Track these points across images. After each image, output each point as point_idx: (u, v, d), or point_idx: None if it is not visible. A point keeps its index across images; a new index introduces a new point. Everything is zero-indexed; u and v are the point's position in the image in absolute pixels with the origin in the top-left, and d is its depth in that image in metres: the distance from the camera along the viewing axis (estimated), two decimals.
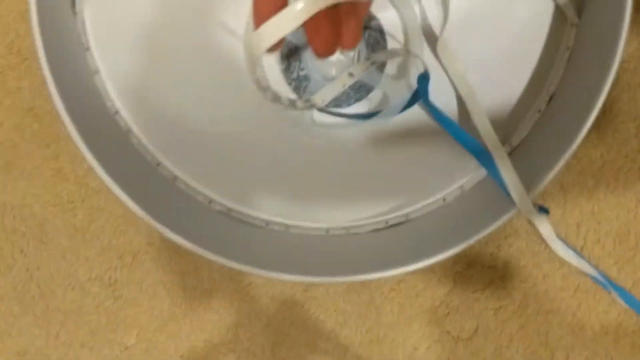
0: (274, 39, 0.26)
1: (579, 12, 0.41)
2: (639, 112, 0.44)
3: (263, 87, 0.30)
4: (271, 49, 0.28)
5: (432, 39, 0.44)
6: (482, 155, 0.41)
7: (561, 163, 0.39)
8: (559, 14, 0.41)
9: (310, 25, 0.27)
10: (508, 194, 0.39)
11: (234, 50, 0.43)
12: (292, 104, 0.33)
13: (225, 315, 0.52)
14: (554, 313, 0.51)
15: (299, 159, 0.46)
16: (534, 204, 0.40)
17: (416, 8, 0.42)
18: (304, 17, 0.26)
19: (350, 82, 0.35)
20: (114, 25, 0.43)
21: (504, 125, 0.44)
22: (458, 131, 0.40)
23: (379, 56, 0.36)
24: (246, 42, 0.27)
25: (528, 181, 0.40)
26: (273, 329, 0.52)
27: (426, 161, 0.46)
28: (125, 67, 0.43)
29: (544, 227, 0.45)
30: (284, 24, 0.26)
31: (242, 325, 0.52)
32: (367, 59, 0.36)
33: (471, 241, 0.40)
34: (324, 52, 0.29)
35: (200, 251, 0.40)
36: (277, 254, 0.45)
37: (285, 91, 0.44)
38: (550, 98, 0.43)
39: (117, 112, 0.44)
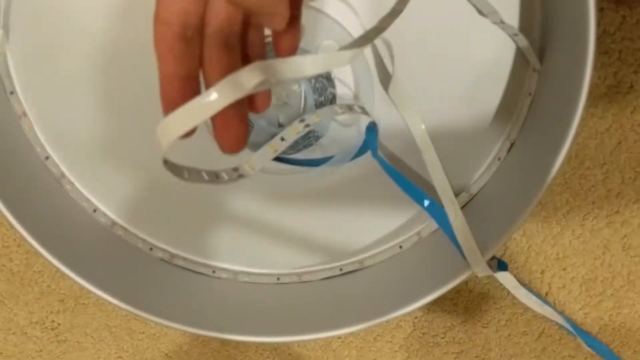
0: (182, 130, 0.23)
1: (541, 57, 0.38)
2: (606, 159, 0.42)
3: (177, 172, 0.27)
4: (181, 137, 0.25)
5: (387, 79, 0.41)
6: (436, 212, 0.38)
7: (521, 220, 0.36)
8: (520, 58, 0.39)
9: (220, 119, 0.24)
10: (463, 255, 0.37)
11: None
12: (215, 177, 0.30)
13: (175, 359, 0.50)
14: (518, 357, 0.49)
15: (246, 203, 0.44)
16: (491, 262, 0.37)
17: (367, 50, 0.39)
18: (218, 108, 0.23)
19: (283, 147, 0.32)
20: (41, 67, 0.39)
21: (462, 172, 0.41)
22: (409, 186, 0.38)
23: (313, 118, 0.33)
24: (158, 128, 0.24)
25: (485, 238, 0.38)
26: None
27: (381, 206, 0.43)
28: (55, 110, 0.40)
29: (505, 278, 0.42)
30: (195, 114, 0.23)
31: None
32: (302, 120, 0.32)
33: (425, 301, 0.38)
34: (232, 149, 0.26)
35: (138, 312, 0.38)
36: (224, 308, 0.42)
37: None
38: (511, 145, 0.40)
39: (47, 157, 0.41)
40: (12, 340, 0.49)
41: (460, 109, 0.40)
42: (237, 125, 0.26)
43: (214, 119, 0.24)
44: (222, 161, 0.29)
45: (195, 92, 0.25)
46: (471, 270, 0.37)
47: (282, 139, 0.31)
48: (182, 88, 0.24)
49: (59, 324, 0.48)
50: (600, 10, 0.32)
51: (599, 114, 0.41)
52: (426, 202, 0.38)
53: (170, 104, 0.25)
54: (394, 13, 0.31)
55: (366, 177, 0.43)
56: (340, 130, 0.41)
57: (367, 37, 0.30)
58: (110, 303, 0.38)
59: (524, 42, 0.37)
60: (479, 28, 0.38)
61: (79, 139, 0.41)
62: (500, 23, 0.37)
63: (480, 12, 0.37)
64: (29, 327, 0.49)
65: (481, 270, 0.37)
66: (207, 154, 0.31)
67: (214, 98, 0.23)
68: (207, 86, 0.27)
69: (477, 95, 0.40)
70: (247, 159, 0.31)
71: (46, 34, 0.39)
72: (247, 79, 0.24)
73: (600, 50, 0.39)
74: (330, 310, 0.42)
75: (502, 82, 0.39)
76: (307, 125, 0.32)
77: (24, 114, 0.40)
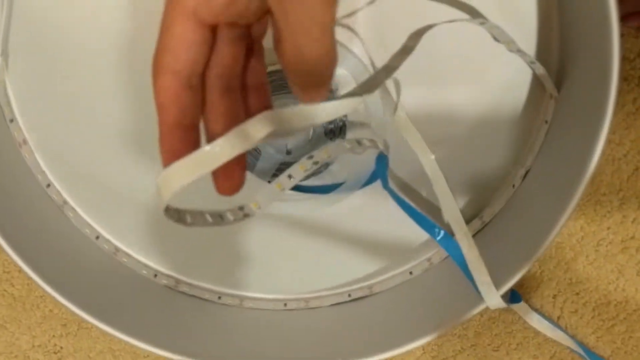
0: (185, 181, 0.22)
1: (559, 84, 0.37)
2: (623, 185, 0.41)
3: (179, 218, 0.26)
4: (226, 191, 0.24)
5: (391, 106, 0.40)
6: (449, 244, 0.37)
7: (538, 253, 0.35)
8: (537, 85, 0.37)
9: (223, 169, 0.23)
10: (476, 289, 0.36)
11: None
12: (220, 218, 0.29)
13: None
14: None
15: (253, 228, 0.43)
16: (505, 297, 0.36)
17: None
18: (224, 159, 0.22)
19: (290, 185, 0.31)
20: (41, 93, 0.38)
21: (475, 198, 0.40)
22: (420, 217, 0.37)
23: (322, 154, 0.31)
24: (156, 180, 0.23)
25: (500, 270, 0.36)
26: None
27: (392, 230, 0.42)
28: (56, 136, 0.39)
29: (518, 305, 0.41)
30: (199, 165, 0.22)
31: None
32: (310, 157, 0.31)
33: (435, 335, 0.37)
34: (229, 193, 0.26)
35: (141, 345, 0.37)
36: (229, 338, 0.41)
37: None
38: (526, 173, 0.39)
39: (49, 185, 0.40)
40: None
41: (474, 134, 0.39)
42: (236, 172, 0.25)
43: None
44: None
45: (197, 140, 0.24)
46: (484, 303, 0.36)
47: (290, 177, 0.30)
48: (184, 138, 0.23)
49: (61, 347, 0.48)
50: (621, 36, 0.31)
51: (617, 141, 0.40)
52: (439, 235, 0.37)
53: (172, 154, 0.23)
54: (406, 50, 0.30)
55: (376, 202, 0.42)
56: (351, 157, 0.39)
57: (378, 78, 0.29)
58: (112, 335, 0.37)
59: (540, 69, 0.36)
60: (495, 54, 0.37)
61: (80, 165, 0.40)
62: (518, 51, 0.36)
63: (497, 40, 0.36)
64: (31, 351, 0.48)
65: (495, 303, 0.36)
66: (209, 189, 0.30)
67: (221, 150, 0.22)
68: (208, 130, 0.26)
69: (492, 120, 0.39)
70: (253, 198, 0.30)
71: (45, 60, 0.38)
72: (256, 130, 0.23)
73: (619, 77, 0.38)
74: (339, 341, 0.41)
75: (517, 109, 0.38)
76: (316, 163, 0.31)
77: (24, 141, 0.39)
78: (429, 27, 0.32)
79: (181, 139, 0.23)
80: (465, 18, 0.37)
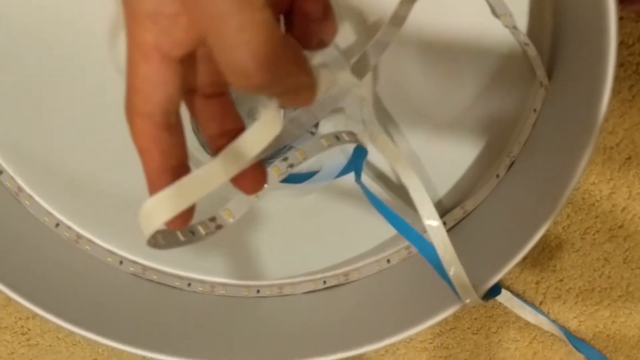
0: (166, 217, 0.20)
1: (550, 72, 0.34)
2: (614, 174, 0.38)
3: (154, 243, 0.24)
4: (174, 225, 0.22)
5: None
6: (423, 246, 0.34)
7: (522, 253, 0.33)
8: (526, 72, 0.34)
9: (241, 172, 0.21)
10: (454, 290, 0.34)
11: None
12: (191, 234, 0.26)
13: None
14: None
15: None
16: (485, 295, 0.35)
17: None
18: (214, 185, 0.20)
19: (264, 192, 0.28)
20: None
21: (457, 187, 0.38)
22: (393, 217, 0.34)
23: (297, 156, 0.29)
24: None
25: (480, 267, 0.35)
26: None
27: (370, 217, 0.40)
28: (7, 121, 0.36)
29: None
30: (183, 197, 0.20)
31: None
32: (284, 159, 0.29)
33: (412, 332, 0.35)
34: (254, 192, 0.24)
35: (108, 342, 0.35)
36: (200, 327, 0.39)
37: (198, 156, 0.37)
38: (512, 163, 0.37)
39: (1, 172, 0.37)
40: None
41: (458, 120, 0.36)
42: (256, 169, 0.23)
43: None
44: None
45: (182, 164, 0.22)
46: (461, 303, 0.34)
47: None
48: (174, 181, 0.20)
49: (29, 329, 0.46)
50: (619, 20, 0.28)
51: (610, 129, 0.37)
52: (414, 236, 0.34)
53: (156, 183, 0.21)
54: (397, 21, 0.27)
55: (352, 188, 0.39)
56: None
57: (369, 58, 0.26)
58: (77, 334, 0.35)
59: (533, 52, 0.33)
60: (484, 39, 0.33)
61: (35, 150, 0.37)
62: (513, 28, 0.33)
63: (495, 14, 0.33)
64: None
65: (473, 302, 0.35)
66: None
67: (215, 171, 0.20)
68: (204, 136, 0.24)
69: (476, 106, 0.36)
70: (224, 206, 0.28)
71: None
72: (250, 146, 0.20)
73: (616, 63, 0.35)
74: (313, 332, 0.39)
75: (504, 96, 0.35)
76: (291, 166, 0.28)
77: None
78: None
79: (171, 182, 0.20)
80: None
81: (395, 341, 0.35)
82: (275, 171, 0.29)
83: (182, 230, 0.26)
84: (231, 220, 0.28)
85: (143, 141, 0.21)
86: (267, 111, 0.21)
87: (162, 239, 0.25)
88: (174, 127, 0.21)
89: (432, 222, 0.34)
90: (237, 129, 0.25)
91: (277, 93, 0.20)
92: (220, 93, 0.24)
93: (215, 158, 0.20)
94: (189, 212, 0.22)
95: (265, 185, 0.28)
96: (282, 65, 0.18)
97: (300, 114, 0.27)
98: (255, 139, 0.21)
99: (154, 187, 0.21)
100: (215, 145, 0.25)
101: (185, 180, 0.20)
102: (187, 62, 0.20)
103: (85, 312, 0.36)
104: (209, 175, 0.20)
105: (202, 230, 0.27)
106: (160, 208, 0.20)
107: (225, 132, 0.24)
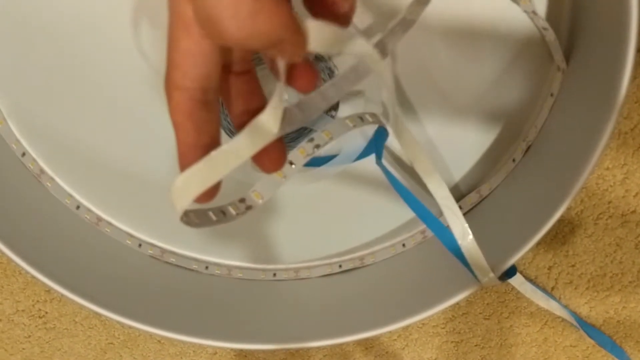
0: (201, 188, 0.21)
1: (567, 56, 0.34)
2: (628, 159, 0.39)
3: (187, 221, 0.24)
4: (201, 200, 0.22)
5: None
6: (441, 230, 0.35)
7: (538, 235, 0.34)
8: (544, 57, 0.35)
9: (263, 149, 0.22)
10: (471, 271, 0.34)
11: (153, 77, 0.37)
12: (222, 215, 0.27)
13: (168, 346, 0.48)
14: (519, 346, 0.48)
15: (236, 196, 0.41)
16: (501, 276, 0.35)
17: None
18: (245, 156, 0.20)
19: (292, 172, 0.29)
20: (13, 58, 0.35)
21: (473, 171, 0.39)
22: (413, 201, 0.34)
23: (323, 137, 0.29)
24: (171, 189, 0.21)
25: (496, 249, 0.35)
26: (219, 357, 0.49)
27: (386, 201, 0.40)
28: (31, 103, 0.37)
29: (512, 278, 0.40)
30: (215, 169, 0.20)
31: (187, 355, 0.49)
32: (310, 140, 0.29)
33: (428, 314, 0.36)
34: (274, 170, 0.25)
35: (127, 322, 0.36)
36: (217, 309, 0.40)
37: None
38: (528, 148, 0.37)
39: (24, 153, 0.37)
40: None
41: (473, 104, 0.37)
42: (276, 146, 0.23)
43: None
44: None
45: (214, 140, 0.23)
46: (478, 284, 0.35)
47: (291, 164, 0.28)
48: (199, 135, 0.21)
49: (46, 312, 0.47)
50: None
51: (625, 114, 0.38)
52: (432, 220, 0.35)
53: (187, 159, 0.22)
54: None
55: (369, 172, 0.40)
56: None
57: (395, 35, 0.26)
58: (96, 312, 0.36)
59: (552, 36, 0.34)
60: (504, 20, 0.34)
61: (58, 132, 0.37)
62: (532, 13, 0.33)
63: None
64: (15, 315, 0.47)
65: (490, 282, 0.35)
66: None
67: (243, 145, 0.20)
68: (230, 112, 0.25)
69: (493, 91, 0.36)
70: (253, 187, 0.28)
71: (18, 25, 0.35)
72: (273, 122, 0.21)
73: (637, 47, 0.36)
74: (328, 315, 0.40)
75: (521, 80, 0.36)
76: (317, 146, 0.29)
77: None
78: None
79: (196, 138, 0.21)
80: None
81: (412, 322, 0.36)
82: (301, 152, 0.29)
83: (213, 210, 0.27)
84: (260, 201, 0.28)
85: (179, 116, 0.21)
86: (277, 87, 0.21)
87: (196, 218, 0.25)
88: (210, 104, 0.22)
89: (449, 207, 0.34)
90: (261, 108, 0.25)
91: (259, 48, 0.20)
92: (247, 70, 0.24)
93: (242, 132, 0.21)
94: (215, 188, 0.23)
95: (293, 166, 0.29)
96: (259, 21, 0.18)
97: (326, 87, 0.28)
98: (277, 113, 0.21)
99: (185, 162, 0.22)
100: (241, 123, 0.25)
101: (214, 155, 0.21)
102: None
103: (104, 292, 0.37)
104: (236, 149, 0.21)
105: (232, 211, 0.27)
106: (193, 182, 0.21)
107: (250, 110, 0.25)
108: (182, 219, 0.24)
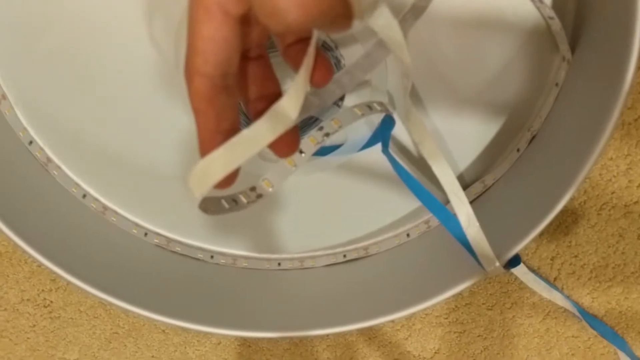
0: (223, 172, 0.21)
1: (572, 46, 0.35)
2: (631, 150, 0.39)
3: (204, 208, 0.25)
4: (220, 186, 0.22)
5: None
6: (447, 219, 0.35)
7: (543, 224, 0.34)
8: (549, 45, 0.35)
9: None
10: (476, 259, 0.35)
11: (160, 68, 0.37)
12: (234, 203, 0.27)
13: (172, 335, 0.49)
14: (521, 336, 0.48)
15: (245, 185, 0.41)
16: (506, 265, 0.35)
17: None
18: (266, 142, 0.21)
19: (302, 161, 0.29)
20: (21, 45, 0.35)
21: (478, 161, 0.39)
22: (417, 187, 0.35)
23: (332, 125, 0.30)
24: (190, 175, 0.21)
25: (501, 238, 0.35)
26: (223, 347, 0.49)
27: (389, 191, 0.41)
28: (38, 91, 0.37)
29: (515, 268, 0.41)
30: (238, 153, 0.21)
31: (191, 344, 0.49)
32: (320, 129, 0.29)
33: (431, 303, 0.36)
34: (288, 155, 0.25)
35: (133, 309, 0.36)
36: (222, 299, 0.40)
37: None
38: (532, 138, 0.37)
39: (31, 142, 0.38)
40: (3, 316, 0.48)
41: (479, 94, 0.37)
42: (290, 132, 0.23)
43: None
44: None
45: (234, 127, 0.23)
46: (483, 272, 0.35)
47: (301, 152, 0.29)
48: (220, 121, 0.21)
49: (51, 302, 0.47)
50: None
51: (629, 104, 0.38)
52: (439, 209, 0.35)
53: (208, 143, 0.22)
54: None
55: (373, 162, 0.40)
56: None
57: (407, 23, 0.26)
58: (102, 299, 0.36)
59: (558, 26, 0.34)
60: (510, 10, 0.34)
61: (65, 121, 0.38)
62: (539, 2, 0.33)
63: None
64: (20, 305, 0.47)
65: (495, 271, 0.35)
66: None
67: (263, 130, 0.20)
68: (245, 99, 0.25)
69: (499, 80, 0.37)
70: (263, 176, 0.29)
71: (25, 12, 0.35)
72: (294, 107, 0.21)
73: None
74: (332, 304, 0.40)
75: (526, 70, 0.36)
76: (327, 135, 0.29)
77: (4, 96, 0.36)
78: None
79: (221, 144, 0.21)
80: None
81: (416, 311, 0.36)
82: (311, 141, 0.29)
83: (226, 198, 0.27)
84: (270, 189, 0.29)
85: (200, 102, 0.22)
86: (299, 74, 0.22)
87: (210, 205, 0.26)
88: (230, 90, 0.22)
89: (455, 194, 0.35)
90: (276, 94, 0.25)
91: (320, 27, 0.21)
92: (261, 56, 0.25)
93: (262, 118, 0.21)
94: (235, 174, 0.23)
95: (303, 155, 0.29)
96: (323, 3, 0.19)
97: (340, 75, 0.28)
98: (297, 99, 0.22)
99: (206, 148, 0.22)
100: (254, 108, 0.25)
101: (235, 140, 0.21)
102: (244, 22, 0.21)
103: (110, 280, 0.37)
104: (257, 135, 0.21)
105: (243, 199, 0.28)
106: (214, 167, 0.21)
107: (264, 95, 0.25)
108: (200, 206, 0.24)
